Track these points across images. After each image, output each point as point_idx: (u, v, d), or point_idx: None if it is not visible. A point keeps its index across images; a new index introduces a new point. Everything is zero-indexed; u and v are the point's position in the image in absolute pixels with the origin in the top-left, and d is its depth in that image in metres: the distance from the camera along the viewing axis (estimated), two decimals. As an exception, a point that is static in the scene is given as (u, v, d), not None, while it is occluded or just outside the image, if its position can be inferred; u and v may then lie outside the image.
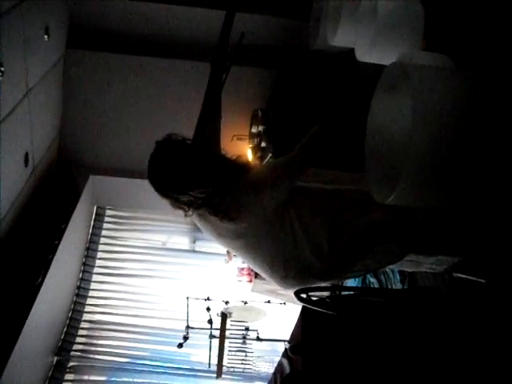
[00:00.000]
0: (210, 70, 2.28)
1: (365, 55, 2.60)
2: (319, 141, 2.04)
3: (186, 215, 2.10)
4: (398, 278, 3.34)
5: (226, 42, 2.28)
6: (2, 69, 2.90)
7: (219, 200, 2.01)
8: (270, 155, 4.15)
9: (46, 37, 3.68)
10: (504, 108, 1.49)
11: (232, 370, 4.78)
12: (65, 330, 4.79)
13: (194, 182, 2.00)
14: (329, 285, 2.36)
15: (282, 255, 2.10)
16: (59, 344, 4.67)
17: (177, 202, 2.06)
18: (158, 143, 2.09)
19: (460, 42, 2.21)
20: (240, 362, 4.82)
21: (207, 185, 2.01)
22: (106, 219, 5.47)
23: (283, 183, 2.04)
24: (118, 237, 5.46)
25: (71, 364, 4.68)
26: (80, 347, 4.81)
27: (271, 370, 4.26)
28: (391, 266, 2.22)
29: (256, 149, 4.56)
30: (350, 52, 2.76)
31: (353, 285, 3.81)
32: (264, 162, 4.21)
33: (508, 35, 1.90)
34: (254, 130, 4.60)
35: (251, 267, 2.41)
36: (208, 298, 4.71)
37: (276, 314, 4.92)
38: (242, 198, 2.02)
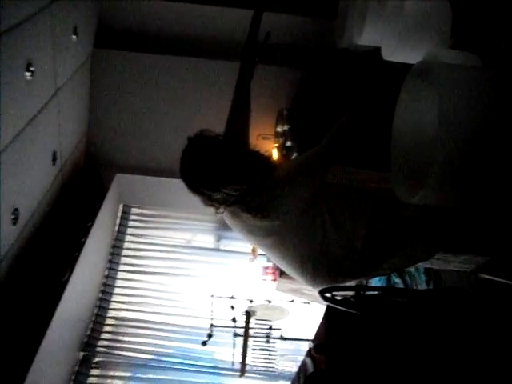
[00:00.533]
0: (240, 64, 2.28)
1: (391, 54, 2.58)
2: (348, 130, 2.01)
3: (217, 212, 2.09)
4: (424, 278, 3.31)
5: (254, 38, 2.27)
6: (32, 68, 2.95)
7: (253, 197, 2.00)
8: (295, 154, 4.15)
9: (74, 37, 3.73)
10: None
11: (255, 368, 4.79)
12: (90, 326, 4.84)
13: (228, 179, 1.99)
14: (353, 284, 2.35)
15: (312, 253, 2.09)
16: (85, 340, 4.72)
17: (209, 200, 2.04)
18: (191, 139, 2.06)
19: (488, 41, 2.19)
20: (263, 360, 4.83)
21: (241, 182, 1.99)
22: (132, 217, 5.51)
23: (315, 173, 2.01)
24: (143, 235, 5.49)
25: (97, 359, 4.73)
26: (105, 343, 4.86)
27: (294, 369, 4.25)
28: (419, 264, 2.20)
29: (281, 148, 4.56)
30: (376, 51, 2.75)
31: (377, 285, 3.79)
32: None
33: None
34: (279, 129, 4.60)
35: (280, 266, 2.39)
36: (232, 297, 4.73)
37: (300, 314, 4.92)
38: (274, 194, 2.01)
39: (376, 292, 2.33)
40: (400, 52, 2.49)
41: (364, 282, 3.16)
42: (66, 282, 3.76)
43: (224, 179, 1.98)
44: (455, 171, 1.44)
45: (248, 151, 2.16)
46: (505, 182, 1.50)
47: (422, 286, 3.32)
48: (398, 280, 3.64)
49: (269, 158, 2.18)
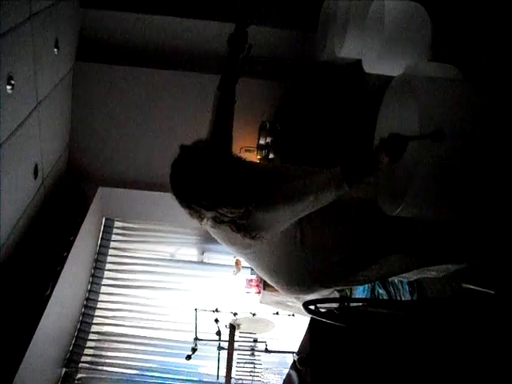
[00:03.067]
0: (228, 51, 2.18)
1: (372, 66, 2.61)
2: (339, 182, 1.80)
3: (201, 224, 1.95)
4: (407, 289, 3.32)
5: (243, 24, 2.17)
6: (13, 82, 2.93)
7: (246, 221, 1.87)
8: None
9: (55, 50, 3.72)
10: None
11: (240, 381, 4.76)
12: (73, 341, 4.79)
13: (226, 200, 1.84)
14: (337, 296, 2.35)
15: (287, 261, 2.08)
16: (68, 355, 4.67)
17: (198, 215, 1.89)
18: (185, 149, 1.89)
19: (467, 52, 2.22)
20: (248, 373, 4.79)
21: (239, 205, 1.85)
22: (115, 231, 5.48)
23: (301, 211, 1.91)
24: (126, 248, 5.46)
25: (79, 376, 4.68)
26: (88, 359, 4.81)
27: (280, 382, 4.23)
28: (393, 278, 2.21)
29: (264, 160, 4.57)
30: (358, 63, 2.78)
31: (361, 296, 3.79)
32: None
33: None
34: (261, 142, 4.61)
35: (258, 273, 2.38)
36: (216, 310, 4.70)
37: (284, 326, 4.91)
38: (267, 219, 1.92)
39: (360, 303, 2.33)
40: (381, 64, 2.51)
41: (342, 290, 3.15)
42: (49, 296, 3.72)
43: (222, 200, 1.83)
44: (435, 183, 1.45)
45: (245, 169, 1.98)
46: (485, 192, 1.52)
47: (406, 297, 3.33)
48: (382, 291, 3.65)
49: (266, 175, 2.09)
